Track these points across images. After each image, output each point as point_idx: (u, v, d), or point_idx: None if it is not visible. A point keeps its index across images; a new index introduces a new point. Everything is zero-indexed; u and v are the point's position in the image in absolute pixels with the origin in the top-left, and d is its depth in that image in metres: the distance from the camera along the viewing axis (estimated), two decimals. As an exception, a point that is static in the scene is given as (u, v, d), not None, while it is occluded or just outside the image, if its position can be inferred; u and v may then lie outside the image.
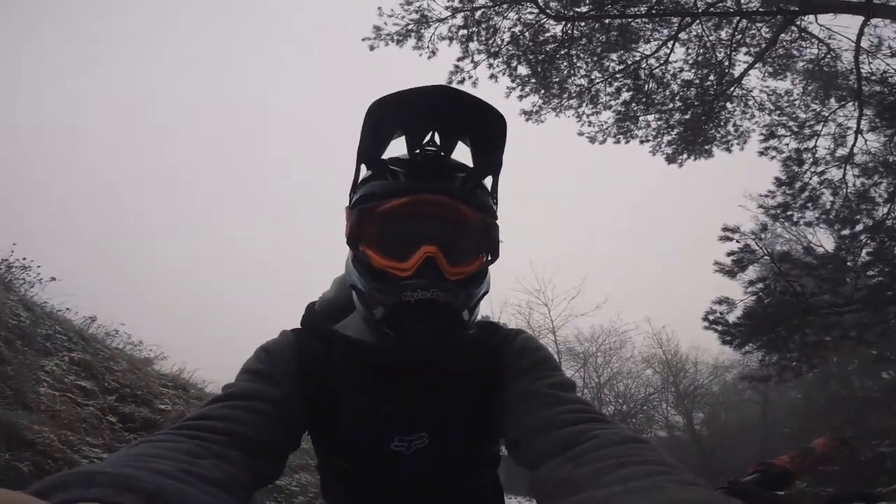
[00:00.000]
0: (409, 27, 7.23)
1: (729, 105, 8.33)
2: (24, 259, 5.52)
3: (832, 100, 7.91)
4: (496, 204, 0.80)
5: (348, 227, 0.74)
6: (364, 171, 0.78)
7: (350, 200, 0.78)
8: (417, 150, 0.75)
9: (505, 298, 16.88)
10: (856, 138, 7.75)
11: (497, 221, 0.78)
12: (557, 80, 8.02)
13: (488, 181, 0.81)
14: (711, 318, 9.10)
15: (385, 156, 0.77)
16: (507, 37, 7.51)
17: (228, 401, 0.65)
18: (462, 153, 0.78)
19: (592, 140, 8.77)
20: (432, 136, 0.76)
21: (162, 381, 5.95)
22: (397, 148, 0.77)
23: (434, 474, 0.81)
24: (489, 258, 0.76)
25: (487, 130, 0.74)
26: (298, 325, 0.84)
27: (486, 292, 0.78)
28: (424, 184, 0.71)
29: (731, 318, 8.88)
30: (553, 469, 0.55)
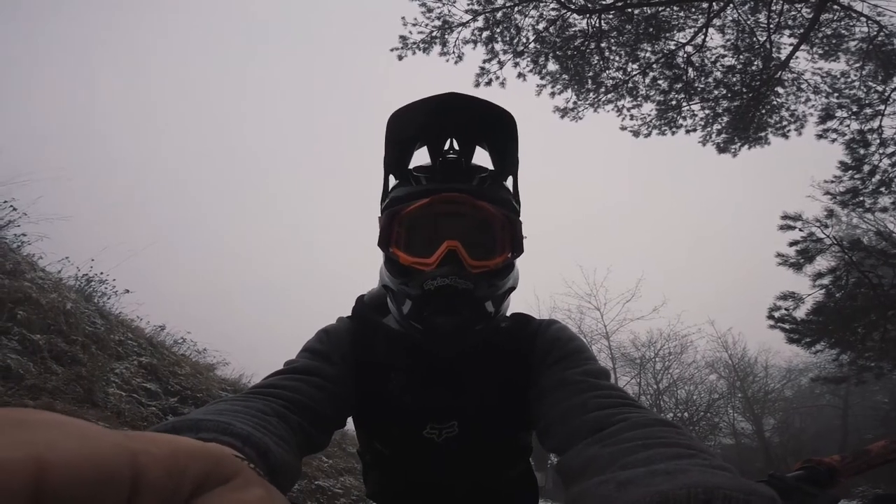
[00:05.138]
0: (434, 34, 7.34)
1: (780, 90, 7.79)
2: (102, 273, 6.05)
3: (895, 78, 7.20)
4: (518, 203, 0.83)
5: (379, 232, 0.79)
6: (392, 181, 0.84)
7: (380, 208, 0.83)
8: (440, 158, 0.80)
9: (553, 303, 16.47)
10: (926, 116, 7.02)
11: (519, 218, 0.80)
12: (591, 74, 7.85)
13: (510, 182, 0.84)
14: (777, 315, 8.45)
15: (411, 165, 0.83)
16: (531, 35, 7.47)
17: (290, 374, 0.71)
18: (483, 158, 0.83)
19: (636, 134, 8.49)
20: (452, 143, 0.81)
21: (222, 385, 6.32)
22: (422, 158, 0.83)
23: (465, 461, 0.84)
24: (513, 254, 0.78)
25: (499, 131, 0.78)
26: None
27: (514, 288, 0.80)
28: (445, 184, 0.75)
29: (799, 314, 8.25)
30: (581, 450, 0.55)
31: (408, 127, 0.78)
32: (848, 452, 0.84)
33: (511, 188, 0.83)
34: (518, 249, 0.78)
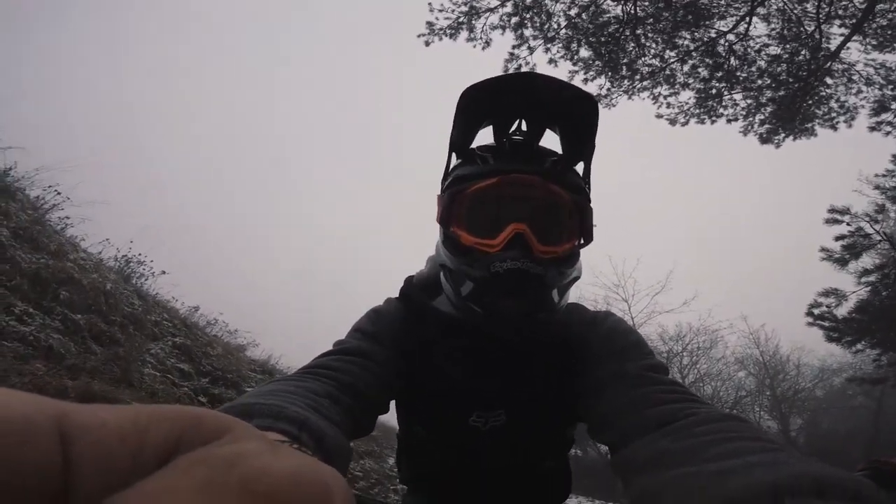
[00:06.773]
0: (461, 20, 7.21)
1: (829, 80, 7.38)
2: (140, 255, 6.27)
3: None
4: (589, 189, 0.79)
5: (439, 210, 0.76)
6: (454, 160, 0.81)
7: (442, 187, 0.80)
8: (504, 139, 0.77)
9: (580, 292, 16.28)
10: None
11: (591, 205, 0.77)
12: (625, 61, 7.59)
13: (580, 167, 0.79)
14: (817, 312, 8.14)
15: (473, 146, 0.79)
16: (562, 21, 7.25)
17: (341, 355, 0.69)
18: (549, 140, 0.78)
19: (673, 122, 8.24)
20: (519, 125, 0.78)
21: (252, 366, 6.55)
22: (484, 138, 0.79)
23: (508, 452, 0.82)
24: (581, 241, 0.74)
25: (578, 117, 0.73)
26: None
27: (578, 277, 0.76)
28: (515, 166, 0.72)
29: (841, 312, 7.93)
30: (646, 444, 0.52)
31: (480, 103, 0.73)
32: None
33: (582, 174, 0.79)
34: (588, 237, 0.75)
